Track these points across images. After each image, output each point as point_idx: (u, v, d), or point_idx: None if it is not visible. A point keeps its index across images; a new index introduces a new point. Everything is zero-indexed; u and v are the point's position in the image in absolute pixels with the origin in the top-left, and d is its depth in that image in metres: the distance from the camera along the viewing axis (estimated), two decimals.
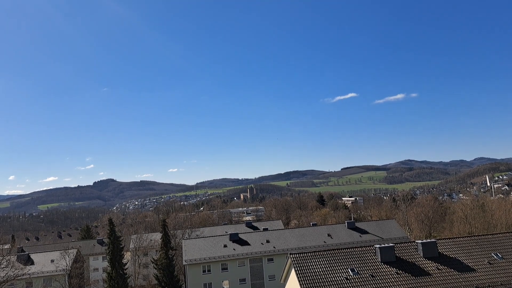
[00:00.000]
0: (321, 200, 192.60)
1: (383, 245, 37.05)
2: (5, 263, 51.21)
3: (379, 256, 36.24)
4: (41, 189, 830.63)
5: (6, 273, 51.03)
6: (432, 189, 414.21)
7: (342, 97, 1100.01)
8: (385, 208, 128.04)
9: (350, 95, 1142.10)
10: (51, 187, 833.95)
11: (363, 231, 70.89)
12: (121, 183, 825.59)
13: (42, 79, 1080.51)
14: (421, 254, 36.85)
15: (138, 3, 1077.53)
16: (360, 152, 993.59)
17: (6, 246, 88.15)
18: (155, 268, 68.62)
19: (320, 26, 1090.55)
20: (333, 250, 38.21)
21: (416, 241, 38.88)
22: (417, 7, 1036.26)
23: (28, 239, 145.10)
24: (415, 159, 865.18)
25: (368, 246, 38.57)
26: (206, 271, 63.56)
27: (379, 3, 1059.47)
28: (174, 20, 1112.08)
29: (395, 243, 38.60)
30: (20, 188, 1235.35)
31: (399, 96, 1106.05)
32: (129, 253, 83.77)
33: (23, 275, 58.30)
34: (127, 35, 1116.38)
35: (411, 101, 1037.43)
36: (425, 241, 38.05)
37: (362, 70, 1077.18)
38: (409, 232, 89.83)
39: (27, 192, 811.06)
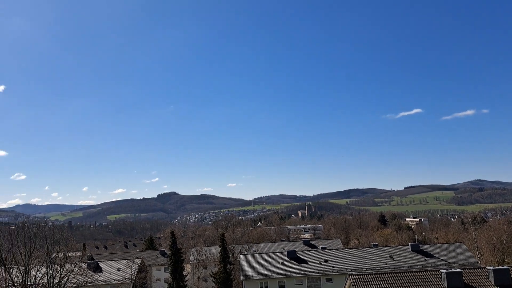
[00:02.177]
0: (382, 220, 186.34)
1: (450, 270, 35.38)
2: (76, 270, 54.47)
3: (446, 282, 34.55)
4: (111, 200, 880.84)
5: (78, 280, 54.27)
6: (506, 211, 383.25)
7: (406, 113, 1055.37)
8: (452, 231, 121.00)
9: (415, 111, 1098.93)
10: (119, 199, 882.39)
11: (428, 254, 67.37)
12: (182, 196, 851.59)
13: (115, 99, 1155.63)
14: (493, 282, 34.61)
15: (200, 24, 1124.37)
16: (425, 171, 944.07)
17: (78, 254, 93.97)
18: (214, 282, 69.87)
19: (385, 38, 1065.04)
20: (396, 273, 37.12)
21: (487, 267, 36.67)
22: (492, 15, 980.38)
23: (97, 248, 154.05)
24: (487, 179, 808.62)
25: (434, 271, 37.10)
26: (264, 287, 63.55)
27: (449, 12, 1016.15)
28: (231, 42, 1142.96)
29: (463, 269, 36.75)
30: (92, 199, 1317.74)
31: (469, 112, 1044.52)
32: (189, 266, 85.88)
33: (92, 282, 61.67)
34: (190, 57, 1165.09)
35: (482, 118, 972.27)
36: (497, 267, 35.74)
37: (428, 85, 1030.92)
38: (479, 257, 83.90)
39: (98, 203, 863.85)
